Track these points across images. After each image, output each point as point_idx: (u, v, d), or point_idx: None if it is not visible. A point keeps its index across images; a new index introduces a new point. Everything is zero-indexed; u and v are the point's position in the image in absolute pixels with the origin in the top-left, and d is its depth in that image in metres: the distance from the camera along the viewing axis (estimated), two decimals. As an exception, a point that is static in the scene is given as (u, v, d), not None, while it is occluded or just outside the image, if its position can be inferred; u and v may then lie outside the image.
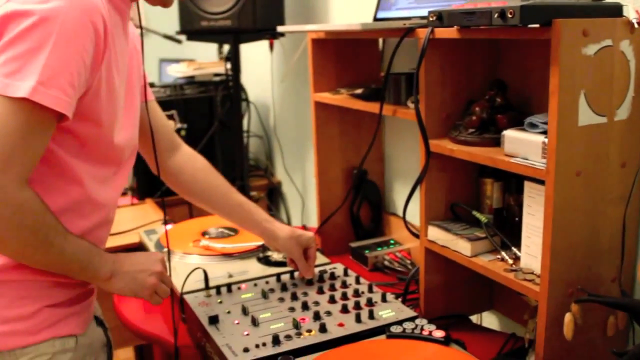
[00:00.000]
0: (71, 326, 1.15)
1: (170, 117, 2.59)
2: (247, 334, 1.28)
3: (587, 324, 1.16)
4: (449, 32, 1.24)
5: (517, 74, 1.38)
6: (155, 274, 1.22)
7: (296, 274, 1.55)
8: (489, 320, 1.67)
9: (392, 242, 1.92)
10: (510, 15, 0.99)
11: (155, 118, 1.44)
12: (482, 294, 1.55)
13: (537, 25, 1.03)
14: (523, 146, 1.14)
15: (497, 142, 1.25)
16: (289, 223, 2.81)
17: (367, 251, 1.85)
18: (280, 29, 1.73)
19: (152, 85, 2.64)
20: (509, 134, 1.18)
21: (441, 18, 1.16)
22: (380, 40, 1.89)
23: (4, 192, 0.96)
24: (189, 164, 1.51)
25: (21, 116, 0.95)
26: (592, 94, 1.06)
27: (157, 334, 1.51)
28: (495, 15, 1.02)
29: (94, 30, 1.01)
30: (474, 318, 1.61)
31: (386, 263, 1.82)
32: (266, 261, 1.68)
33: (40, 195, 1.03)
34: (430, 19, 1.19)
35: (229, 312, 1.37)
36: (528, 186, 1.19)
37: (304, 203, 2.64)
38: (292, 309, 1.38)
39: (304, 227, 2.12)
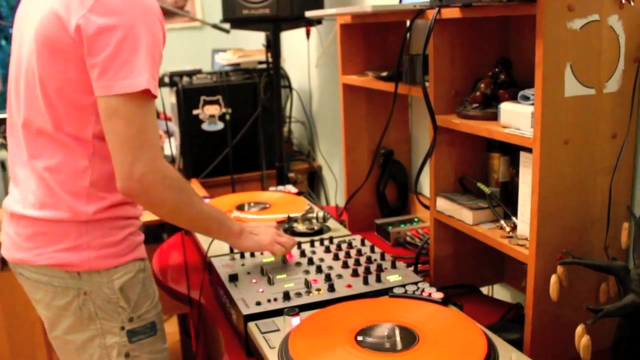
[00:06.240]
0: (141, 251, 1.44)
1: (216, 102, 2.74)
2: (262, 291, 1.39)
3: (579, 290, 1.22)
4: (452, 12, 1.32)
5: (526, 52, 1.44)
6: (273, 232, 1.52)
7: (316, 242, 1.66)
8: (501, 293, 1.73)
9: (415, 219, 2.00)
10: (495, -8, 1.06)
11: None
12: (492, 266, 1.61)
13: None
14: (516, 117, 1.21)
15: (497, 116, 1.31)
16: (327, 204, 2.92)
17: (390, 227, 1.93)
18: (307, 14, 1.84)
19: (199, 72, 2.80)
20: (504, 106, 1.25)
21: (441, -3, 1.24)
22: (408, 24, 1.96)
23: (154, 162, 1.25)
24: None
25: (143, 103, 1.24)
26: (579, 66, 1.12)
27: (185, 292, 1.65)
28: (483, -8, 1.09)
29: (160, 25, 1.28)
30: (485, 290, 1.67)
31: (408, 239, 1.90)
32: (291, 232, 1.79)
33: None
34: (432, -2, 1.27)
35: (248, 273, 1.50)
36: (523, 156, 1.25)
37: (338, 185, 2.74)
38: (306, 272, 1.49)
39: (337, 207, 2.23)
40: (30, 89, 1.32)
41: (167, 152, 3.02)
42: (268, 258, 1.58)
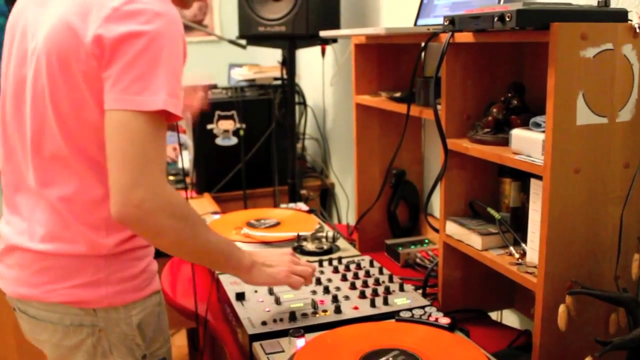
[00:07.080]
0: (157, 282, 1.36)
1: (230, 117, 2.75)
2: (268, 311, 1.39)
3: (589, 320, 1.20)
4: (466, 37, 1.32)
5: (540, 78, 1.43)
6: (288, 261, 1.39)
7: (325, 262, 1.65)
8: (511, 319, 1.71)
9: (426, 241, 1.99)
10: (508, 19, 1.06)
11: None
12: (502, 291, 1.60)
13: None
14: (527, 144, 1.20)
15: (509, 142, 1.30)
16: (339, 222, 2.91)
17: (400, 248, 1.92)
18: (322, 34, 1.85)
19: (214, 87, 2.81)
20: (516, 132, 1.24)
21: (453, 22, 1.24)
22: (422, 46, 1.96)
23: (155, 186, 1.12)
24: None
25: (154, 124, 1.12)
26: (591, 95, 1.11)
27: (193, 309, 1.65)
28: (496, 19, 1.09)
29: (182, 40, 1.18)
30: (495, 315, 1.65)
31: (417, 260, 1.89)
32: (300, 250, 1.79)
33: None
34: (445, 23, 1.27)
35: (255, 292, 1.49)
36: (533, 183, 1.24)
37: (350, 204, 2.74)
38: (314, 292, 1.48)
39: (348, 226, 2.23)
40: (39, 110, 1.20)
41: (180, 165, 3.04)
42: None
